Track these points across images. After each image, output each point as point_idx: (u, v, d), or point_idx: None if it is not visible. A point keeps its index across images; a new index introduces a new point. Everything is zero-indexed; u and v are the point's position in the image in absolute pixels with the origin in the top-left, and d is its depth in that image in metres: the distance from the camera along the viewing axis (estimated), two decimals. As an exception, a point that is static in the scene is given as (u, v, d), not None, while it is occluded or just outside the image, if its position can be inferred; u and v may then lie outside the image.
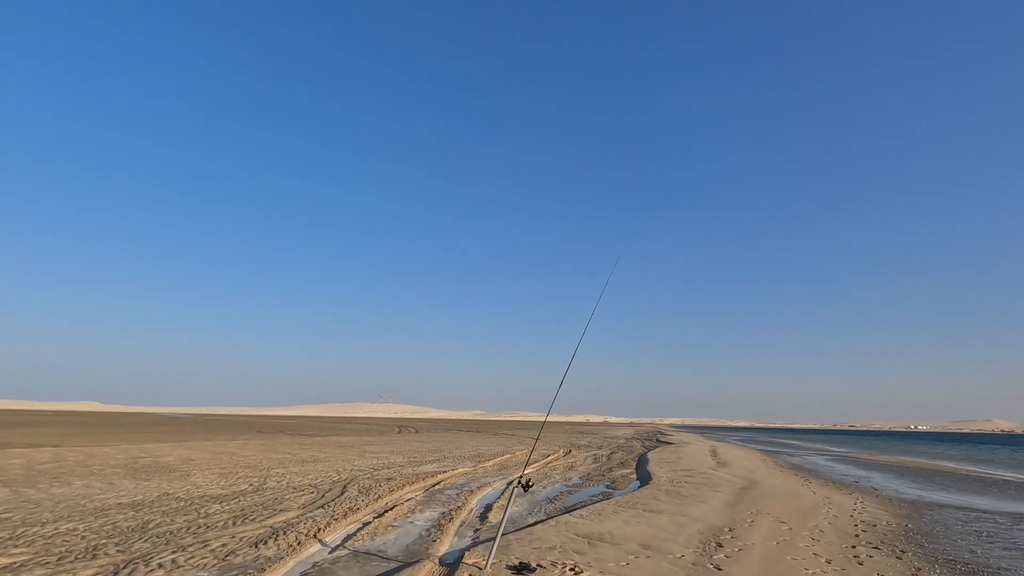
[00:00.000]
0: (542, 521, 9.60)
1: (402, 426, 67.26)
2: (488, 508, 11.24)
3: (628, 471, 20.34)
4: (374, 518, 9.51)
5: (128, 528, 7.96)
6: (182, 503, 10.06)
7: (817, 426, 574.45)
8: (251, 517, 9.02)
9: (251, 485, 12.54)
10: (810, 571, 7.07)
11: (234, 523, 8.56)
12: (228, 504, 10.09)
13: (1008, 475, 26.26)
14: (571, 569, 6.45)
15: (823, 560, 7.69)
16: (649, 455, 27.85)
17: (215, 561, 6.54)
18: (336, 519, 9.12)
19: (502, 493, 13.35)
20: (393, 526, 9.11)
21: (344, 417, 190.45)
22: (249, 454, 20.65)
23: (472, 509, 11.15)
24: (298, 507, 10.07)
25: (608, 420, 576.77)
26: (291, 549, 7.22)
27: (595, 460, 24.71)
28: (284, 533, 7.98)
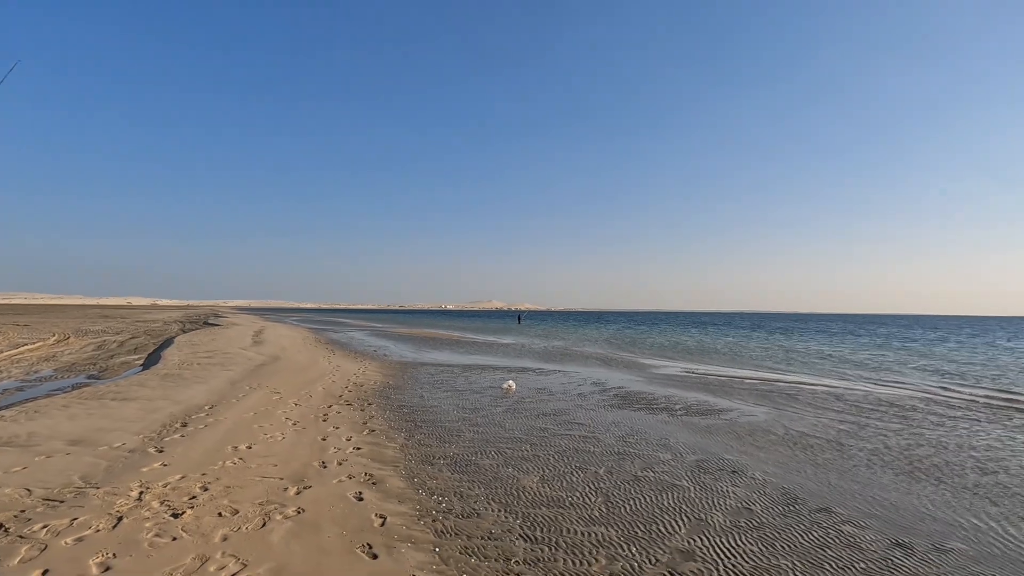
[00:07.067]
0: (-79, 433, 6.84)
1: None
2: None
3: (137, 357, 17.58)
4: None
5: None
6: None
7: (374, 307, 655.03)
8: None
9: None
10: (269, 435, 7.28)
11: None
12: None
13: (480, 338, 35.42)
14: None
15: (291, 423, 8.11)
16: (178, 339, 25.10)
17: None
18: None
19: None
20: None
21: None
22: None
23: None
24: None
25: (157, 303, 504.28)
26: None
27: (99, 348, 20.45)
28: None
